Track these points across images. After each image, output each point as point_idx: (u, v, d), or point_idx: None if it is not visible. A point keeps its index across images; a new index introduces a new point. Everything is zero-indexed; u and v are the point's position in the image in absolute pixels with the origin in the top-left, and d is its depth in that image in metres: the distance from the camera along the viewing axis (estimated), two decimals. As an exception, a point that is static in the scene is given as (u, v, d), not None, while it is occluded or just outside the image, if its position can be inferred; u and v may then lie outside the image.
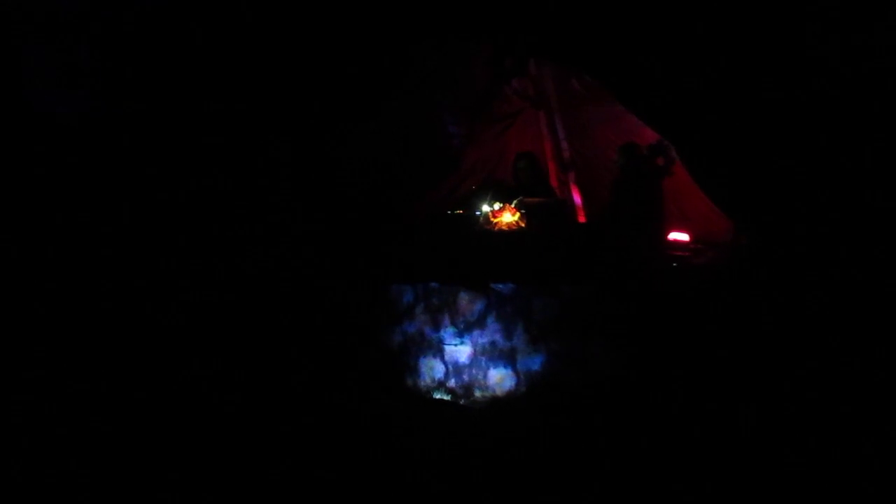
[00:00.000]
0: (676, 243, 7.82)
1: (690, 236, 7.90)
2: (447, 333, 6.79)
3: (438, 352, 6.81)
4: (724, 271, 6.79)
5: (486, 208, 7.23)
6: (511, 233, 7.11)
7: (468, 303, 6.75)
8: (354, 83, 7.31)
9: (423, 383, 6.80)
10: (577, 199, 8.89)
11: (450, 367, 6.76)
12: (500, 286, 6.70)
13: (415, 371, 6.83)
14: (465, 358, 6.73)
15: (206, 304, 6.64)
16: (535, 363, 6.56)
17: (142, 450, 5.34)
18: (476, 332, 6.72)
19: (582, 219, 8.77)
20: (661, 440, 5.40)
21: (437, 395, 6.73)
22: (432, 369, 6.80)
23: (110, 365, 6.06)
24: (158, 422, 5.70)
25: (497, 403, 6.54)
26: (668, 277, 6.89)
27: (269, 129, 7.15)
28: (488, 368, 6.67)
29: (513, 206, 7.20)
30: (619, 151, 8.09)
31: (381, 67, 7.38)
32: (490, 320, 6.70)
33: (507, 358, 6.64)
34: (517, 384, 6.59)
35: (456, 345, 6.76)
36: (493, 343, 6.68)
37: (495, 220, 7.16)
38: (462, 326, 6.75)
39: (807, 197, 5.96)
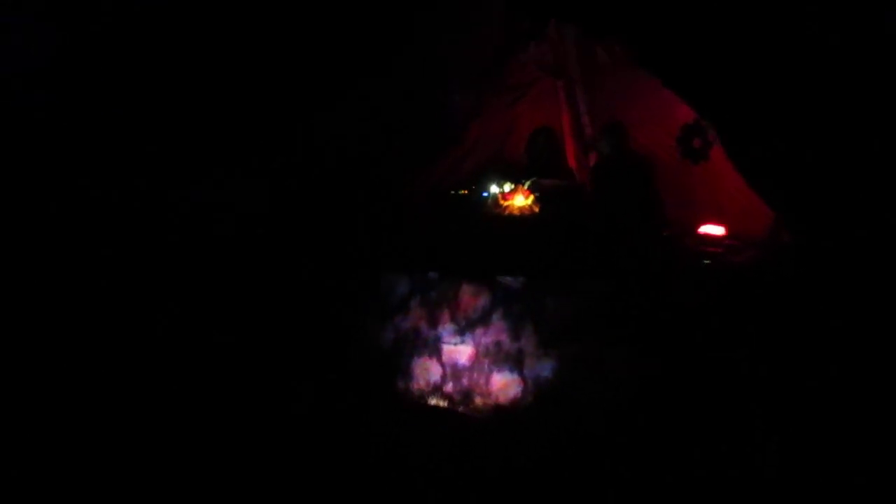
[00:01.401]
0: (709, 238, 7.85)
1: (726, 230, 7.91)
2: (446, 331, 6.91)
3: (435, 352, 6.92)
4: (765, 272, 6.77)
5: (494, 190, 7.34)
6: (522, 219, 7.23)
7: (471, 297, 6.88)
8: (342, 38, 7.43)
9: (416, 387, 6.92)
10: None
11: (448, 370, 6.86)
12: (509, 279, 6.79)
13: (407, 373, 6.95)
14: (465, 360, 6.84)
15: (162, 295, 6.85)
16: (546, 369, 6.62)
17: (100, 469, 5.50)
18: (479, 331, 6.82)
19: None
20: (693, 470, 5.39)
21: (433, 402, 6.83)
22: (427, 371, 6.91)
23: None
24: (113, 431, 5.87)
25: (500, 413, 6.61)
26: (701, 277, 6.93)
27: (240, 89, 7.28)
28: (491, 373, 6.75)
29: (526, 188, 7.31)
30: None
31: (376, 20, 7.48)
32: (495, 318, 6.80)
33: (513, 362, 6.72)
34: (524, 392, 6.65)
35: (455, 344, 6.87)
36: (497, 344, 6.77)
37: (505, 204, 7.32)
38: (463, 324, 6.87)
39: (873, 193, 5.89)
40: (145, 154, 7.10)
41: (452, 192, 7.66)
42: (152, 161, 7.13)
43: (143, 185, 7.06)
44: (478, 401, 6.76)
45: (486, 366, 6.78)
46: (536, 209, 7.26)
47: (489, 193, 7.36)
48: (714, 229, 7.87)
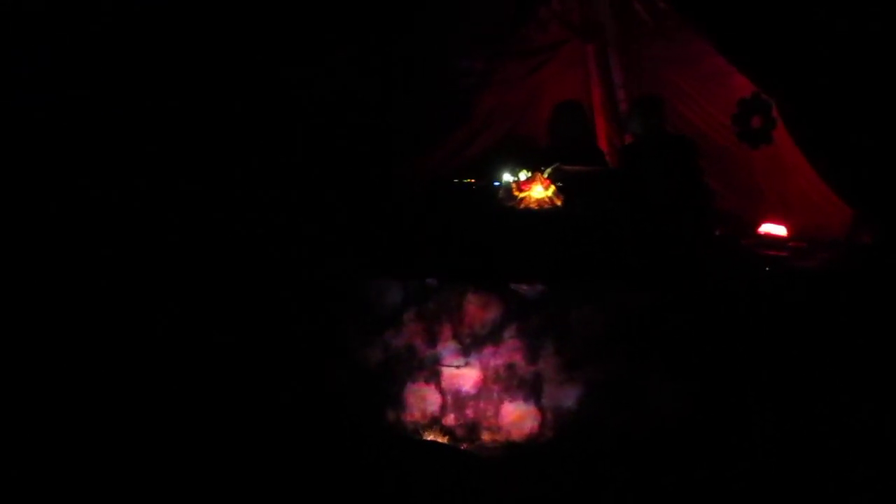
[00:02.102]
0: (770, 239, 7.92)
1: (789, 230, 8.03)
2: (446, 351, 6.79)
3: (433, 376, 6.79)
4: (840, 280, 6.71)
5: (508, 178, 7.26)
6: (542, 213, 7.13)
7: (478, 309, 6.75)
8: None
9: (409, 419, 6.78)
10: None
11: (448, 398, 6.74)
12: (525, 287, 6.70)
13: (399, 401, 6.81)
14: (470, 386, 6.72)
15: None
16: (569, 397, 6.53)
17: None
18: (487, 351, 6.70)
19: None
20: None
21: (430, 437, 6.68)
22: (424, 400, 6.77)
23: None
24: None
25: (513, 451, 6.48)
26: (760, 286, 6.84)
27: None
28: (502, 402, 6.65)
29: (545, 176, 7.20)
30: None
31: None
32: (508, 335, 6.69)
33: (529, 388, 6.62)
34: (542, 425, 6.57)
35: (458, 367, 6.74)
36: (510, 367, 6.66)
37: (521, 195, 7.20)
38: (468, 342, 6.75)
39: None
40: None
41: (456, 180, 7.57)
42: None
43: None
44: (485, 436, 6.67)
45: (495, 393, 6.69)
46: (558, 202, 7.15)
47: (501, 182, 7.26)
48: (776, 228, 8.11)
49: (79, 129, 7.35)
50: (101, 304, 6.98)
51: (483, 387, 6.68)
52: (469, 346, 6.73)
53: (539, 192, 7.15)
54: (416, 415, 6.77)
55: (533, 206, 7.15)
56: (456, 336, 6.76)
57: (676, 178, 7.62)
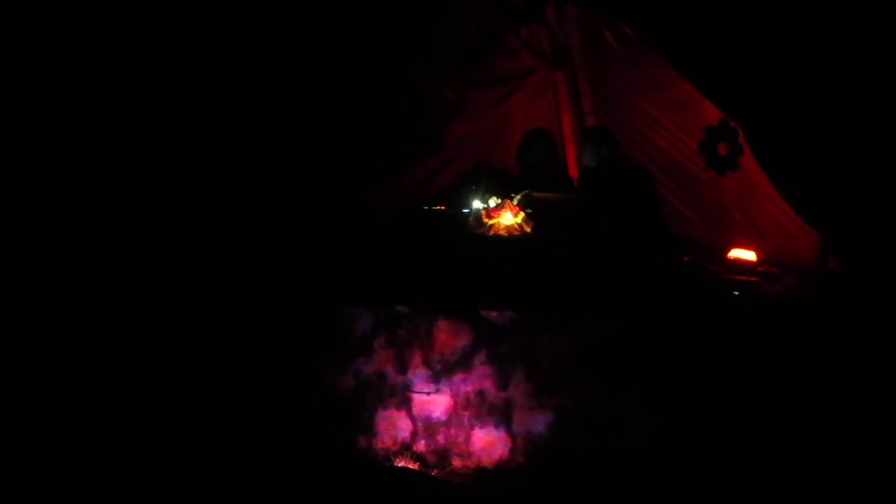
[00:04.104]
0: (740, 264, 7.85)
1: (759, 256, 7.95)
2: (417, 378, 6.84)
3: (404, 402, 6.85)
4: (809, 306, 6.76)
5: (477, 205, 7.32)
6: (512, 240, 7.19)
7: (448, 336, 6.82)
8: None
9: (380, 446, 6.83)
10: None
11: (419, 425, 6.80)
12: (495, 314, 6.75)
13: (370, 428, 6.86)
14: (440, 412, 6.79)
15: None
16: (539, 424, 6.61)
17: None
18: (458, 377, 6.78)
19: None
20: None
21: (401, 463, 6.73)
22: (395, 426, 6.83)
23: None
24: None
25: (483, 477, 6.55)
26: (728, 311, 6.88)
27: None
28: (473, 428, 6.72)
29: (515, 203, 7.29)
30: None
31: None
32: (478, 361, 6.77)
33: (499, 414, 6.69)
34: (512, 452, 6.64)
35: (429, 394, 6.81)
36: (480, 393, 6.74)
37: (490, 222, 7.26)
38: (439, 368, 6.81)
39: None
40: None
41: (426, 207, 7.62)
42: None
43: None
44: (456, 462, 6.73)
45: (466, 420, 6.75)
46: (528, 229, 7.21)
47: (471, 210, 7.32)
48: (745, 254, 7.95)
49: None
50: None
51: (454, 413, 6.74)
52: (439, 373, 6.78)
53: (508, 219, 7.20)
54: (388, 441, 6.81)
55: (502, 233, 7.18)
56: (426, 363, 6.81)
57: (632, 207, 7.68)
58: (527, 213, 7.22)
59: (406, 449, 6.79)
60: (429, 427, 6.78)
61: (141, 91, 7.42)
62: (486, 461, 6.63)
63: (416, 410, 6.82)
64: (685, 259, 7.73)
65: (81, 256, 7.00)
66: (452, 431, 6.74)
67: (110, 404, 6.62)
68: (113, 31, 7.39)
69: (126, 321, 6.91)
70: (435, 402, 6.79)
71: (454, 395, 6.76)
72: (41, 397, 6.49)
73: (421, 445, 6.78)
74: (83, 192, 7.18)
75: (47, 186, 7.13)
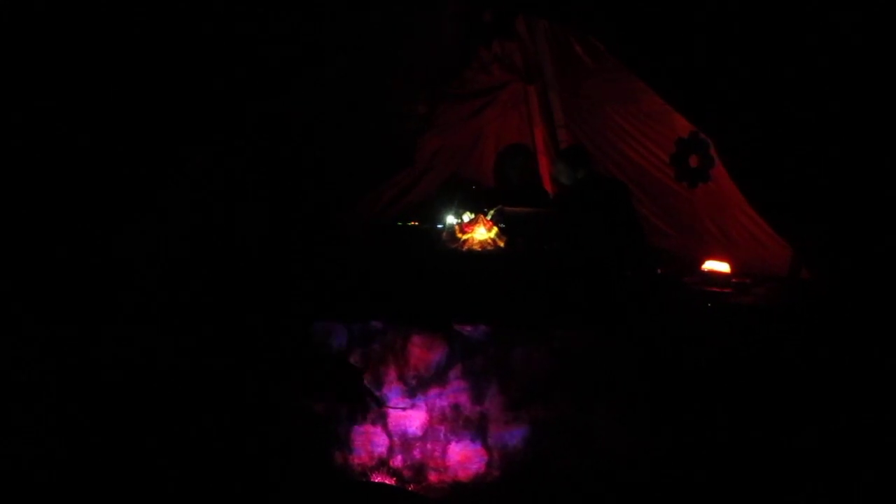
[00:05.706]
0: (713, 276, 7.83)
1: (733, 267, 7.92)
2: (392, 393, 6.87)
3: (380, 418, 6.87)
4: (780, 316, 6.75)
5: (451, 220, 7.38)
6: (485, 255, 7.26)
7: (423, 350, 6.86)
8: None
9: (356, 461, 6.85)
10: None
11: (395, 440, 6.83)
12: (469, 329, 6.81)
13: (346, 443, 6.87)
14: (416, 427, 6.83)
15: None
16: (515, 437, 6.66)
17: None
18: (433, 392, 6.83)
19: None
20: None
21: (378, 478, 6.76)
22: (370, 442, 6.85)
23: None
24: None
25: (460, 491, 6.60)
26: (702, 323, 6.93)
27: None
28: (449, 442, 6.77)
29: (488, 217, 7.34)
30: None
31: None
32: (453, 376, 6.83)
33: (475, 428, 6.75)
34: (488, 465, 6.69)
35: (404, 408, 6.85)
36: (456, 407, 6.80)
37: (464, 237, 7.33)
38: (413, 383, 6.86)
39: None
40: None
41: (400, 222, 7.65)
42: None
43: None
44: (432, 476, 6.76)
45: (441, 434, 6.80)
46: (501, 243, 7.27)
47: (445, 225, 7.38)
48: (718, 265, 7.90)
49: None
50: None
51: (429, 428, 6.78)
52: (415, 388, 6.82)
53: (482, 233, 7.27)
54: (364, 457, 6.83)
55: (476, 247, 7.25)
56: (401, 378, 6.85)
57: (611, 222, 7.70)
58: (500, 228, 7.27)
59: (382, 464, 6.81)
60: (405, 442, 6.80)
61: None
62: (463, 475, 6.67)
63: (391, 425, 6.83)
64: (659, 272, 7.76)
65: (59, 264, 6.85)
66: (429, 446, 6.77)
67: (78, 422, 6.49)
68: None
69: (89, 336, 6.79)
70: (410, 416, 6.81)
71: (430, 410, 6.80)
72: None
73: (397, 460, 6.80)
74: (62, 198, 7.01)
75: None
